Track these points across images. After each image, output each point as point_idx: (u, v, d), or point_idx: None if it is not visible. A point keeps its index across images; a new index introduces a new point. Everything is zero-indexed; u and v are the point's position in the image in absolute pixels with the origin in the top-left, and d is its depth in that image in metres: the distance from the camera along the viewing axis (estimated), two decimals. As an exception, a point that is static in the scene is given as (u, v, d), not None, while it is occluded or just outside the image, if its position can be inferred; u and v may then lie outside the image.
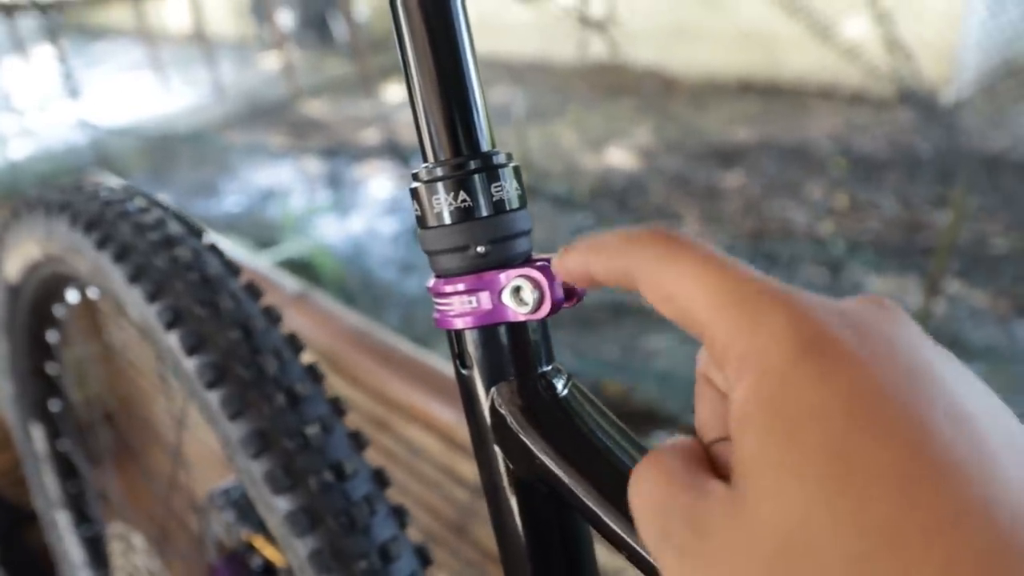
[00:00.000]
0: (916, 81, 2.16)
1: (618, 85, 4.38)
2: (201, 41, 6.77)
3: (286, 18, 7.09)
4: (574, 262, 0.28)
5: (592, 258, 0.27)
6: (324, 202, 3.93)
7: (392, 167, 4.04)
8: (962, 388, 0.20)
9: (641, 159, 3.90)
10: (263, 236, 3.38)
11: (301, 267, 2.92)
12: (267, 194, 4.09)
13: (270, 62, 6.71)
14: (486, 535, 0.91)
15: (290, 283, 1.24)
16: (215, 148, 4.89)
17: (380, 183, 4.03)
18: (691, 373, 0.27)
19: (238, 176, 4.40)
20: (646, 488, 0.23)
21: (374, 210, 3.73)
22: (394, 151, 3.93)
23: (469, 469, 0.93)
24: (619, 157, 3.93)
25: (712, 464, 0.23)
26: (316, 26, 7.03)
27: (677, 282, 0.23)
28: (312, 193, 4.09)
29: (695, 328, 0.23)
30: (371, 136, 4.63)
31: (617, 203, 3.46)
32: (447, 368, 0.98)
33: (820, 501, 0.18)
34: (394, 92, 4.98)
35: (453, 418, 0.94)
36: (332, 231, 3.58)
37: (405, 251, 3.24)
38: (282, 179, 4.32)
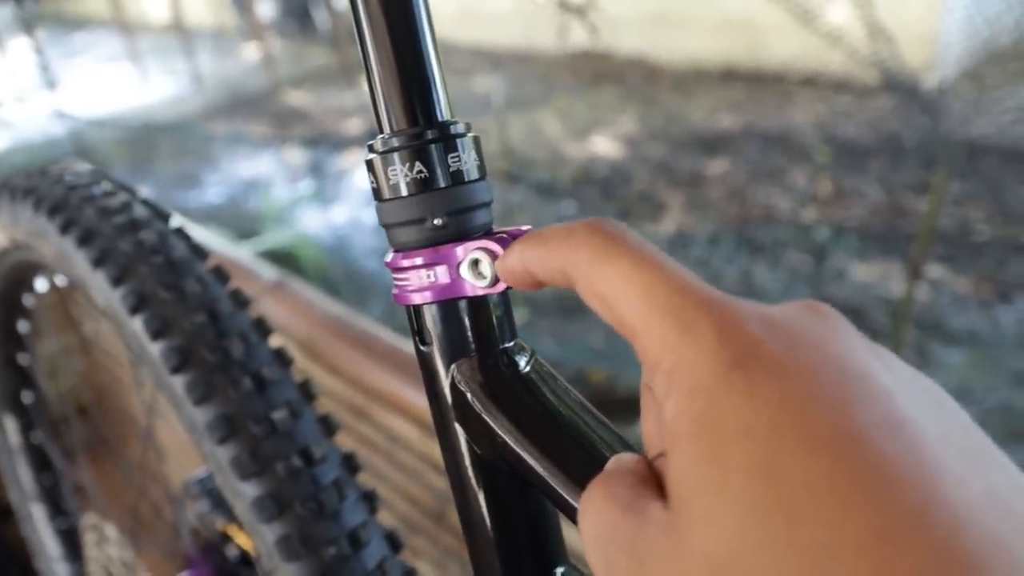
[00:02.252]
0: (898, 67, 2.17)
1: (601, 73, 4.37)
2: (180, 31, 6.70)
3: (266, 7, 7.03)
4: (513, 261, 0.28)
5: (530, 255, 0.27)
6: (306, 192, 3.91)
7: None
8: (900, 391, 0.19)
9: (625, 147, 3.90)
10: (245, 227, 3.35)
11: (283, 257, 2.90)
12: (249, 185, 4.06)
13: (250, 52, 6.65)
14: (466, 522, 0.91)
15: (267, 271, 1.22)
16: (195, 139, 4.85)
17: (362, 173, 4.00)
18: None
19: (219, 167, 4.36)
20: (592, 516, 0.22)
21: (357, 200, 3.71)
22: (377, 140, 3.90)
23: (449, 456, 0.92)
24: (603, 145, 3.93)
25: (657, 481, 0.22)
26: (297, 15, 6.97)
27: (611, 283, 0.23)
28: (294, 183, 4.06)
29: (627, 334, 0.22)
30: (353, 126, 4.61)
31: (601, 191, 3.46)
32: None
33: (751, 523, 0.17)
34: (377, 81, 4.93)
35: (432, 405, 0.93)
36: (314, 221, 3.56)
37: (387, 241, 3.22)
38: (263, 169, 4.29)
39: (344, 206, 3.67)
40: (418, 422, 0.95)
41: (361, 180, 3.93)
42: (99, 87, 6.09)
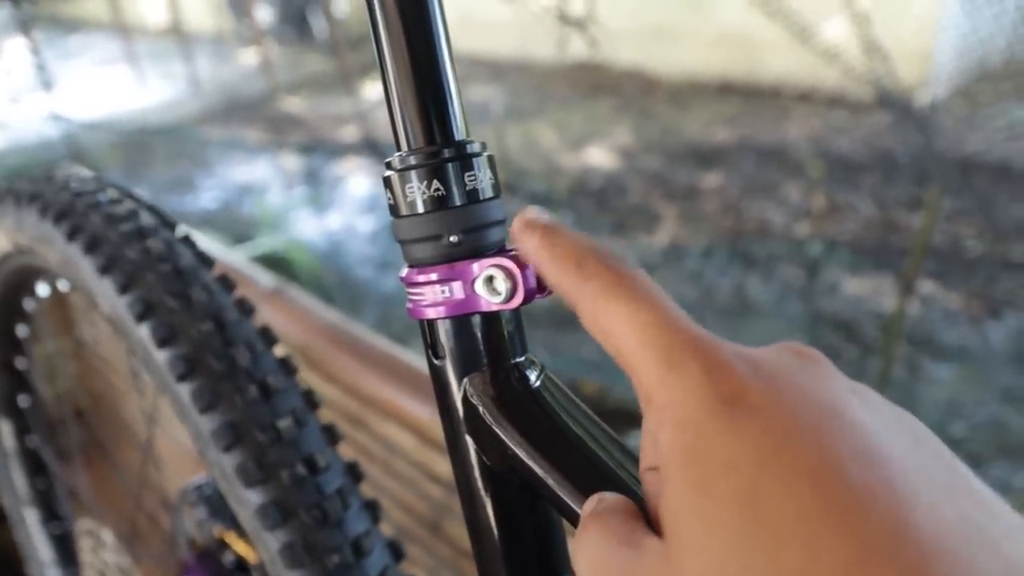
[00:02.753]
0: (893, 83, 2.19)
1: (598, 84, 4.39)
2: (178, 35, 6.70)
3: (265, 13, 7.03)
4: (530, 247, 0.28)
5: (543, 260, 0.28)
6: (301, 199, 3.91)
7: (370, 164, 4.02)
8: (878, 426, 0.21)
9: (620, 158, 3.91)
10: (239, 232, 3.35)
11: (277, 263, 2.90)
12: (244, 190, 4.06)
13: (248, 57, 6.65)
14: (460, 532, 0.91)
15: (265, 278, 1.22)
16: (191, 143, 4.84)
17: (358, 180, 4.01)
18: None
19: (214, 172, 4.36)
20: (589, 550, 0.24)
21: (352, 207, 3.71)
22: (372, 148, 3.91)
23: (444, 466, 0.92)
24: (598, 156, 3.94)
25: (645, 513, 0.24)
26: (295, 22, 6.98)
27: (612, 320, 0.24)
28: (289, 190, 4.06)
29: (624, 367, 0.24)
30: (350, 133, 4.61)
31: (596, 202, 3.47)
32: (423, 365, 0.97)
33: (735, 551, 0.19)
34: (373, 89, 4.96)
35: (428, 415, 0.94)
36: (309, 228, 3.56)
37: (383, 249, 3.23)
38: (259, 175, 4.28)
39: (339, 213, 3.67)
40: (414, 431, 0.96)
41: (356, 187, 3.93)
42: (95, 90, 6.07)
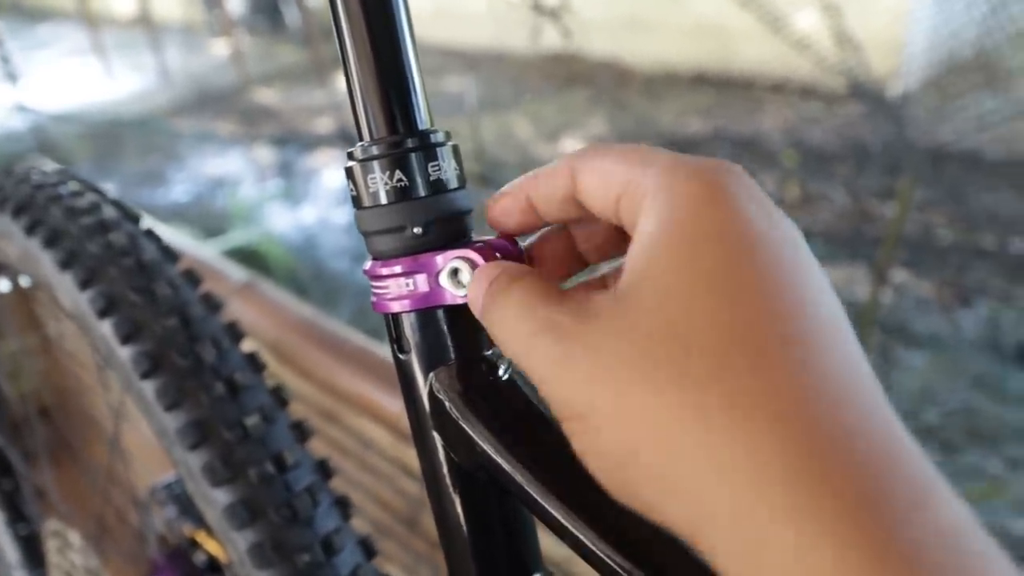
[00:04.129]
0: (865, 74, 2.20)
1: (572, 75, 4.38)
2: (146, 25, 6.60)
3: (236, 3, 6.94)
4: (512, 201, 0.29)
5: (530, 183, 0.29)
6: (275, 191, 3.87)
7: (345, 156, 3.98)
8: (810, 257, 0.25)
9: (596, 150, 3.90)
10: (212, 226, 3.31)
11: (249, 256, 2.86)
12: (216, 183, 4.01)
13: (219, 48, 6.57)
14: (437, 526, 0.90)
15: (236, 272, 1.21)
16: (162, 135, 4.77)
17: (332, 172, 3.98)
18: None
19: (186, 165, 4.30)
20: (519, 287, 0.26)
21: (326, 199, 3.68)
22: (347, 140, 3.88)
23: (420, 460, 0.92)
24: (573, 147, 3.93)
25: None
26: (267, 12, 6.89)
27: (607, 162, 0.26)
28: (262, 182, 4.02)
29: (616, 188, 0.26)
30: (323, 125, 4.57)
31: (572, 193, 3.46)
32: (397, 358, 0.96)
33: (704, 302, 0.21)
34: (347, 80, 4.89)
35: (403, 409, 0.93)
36: (283, 220, 3.53)
37: (358, 240, 3.20)
38: (231, 168, 4.23)
39: (313, 206, 3.64)
40: (390, 426, 0.95)
41: (331, 180, 3.90)
42: (63, 81, 5.97)
